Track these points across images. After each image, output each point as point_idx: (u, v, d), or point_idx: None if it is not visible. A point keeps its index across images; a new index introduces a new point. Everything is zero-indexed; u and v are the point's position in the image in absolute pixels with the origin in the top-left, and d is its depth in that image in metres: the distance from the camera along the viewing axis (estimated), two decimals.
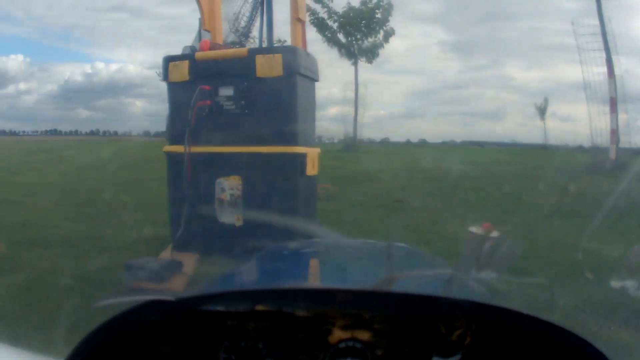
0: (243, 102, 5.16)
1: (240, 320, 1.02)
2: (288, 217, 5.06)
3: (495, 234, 5.40)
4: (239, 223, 5.27)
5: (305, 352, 1.03)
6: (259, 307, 0.98)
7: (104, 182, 11.54)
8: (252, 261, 2.07)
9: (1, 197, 9.81)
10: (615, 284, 4.63)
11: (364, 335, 1.02)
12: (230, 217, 5.30)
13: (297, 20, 6.03)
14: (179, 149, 5.25)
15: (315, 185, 5.84)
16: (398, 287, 1.06)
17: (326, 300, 0.99)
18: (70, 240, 6.21)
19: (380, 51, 26.74)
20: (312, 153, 5.37)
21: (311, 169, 5.30)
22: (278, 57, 5.06)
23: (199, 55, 5.33)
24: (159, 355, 1.04)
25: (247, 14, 6.82)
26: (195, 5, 5.73)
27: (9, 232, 6.73)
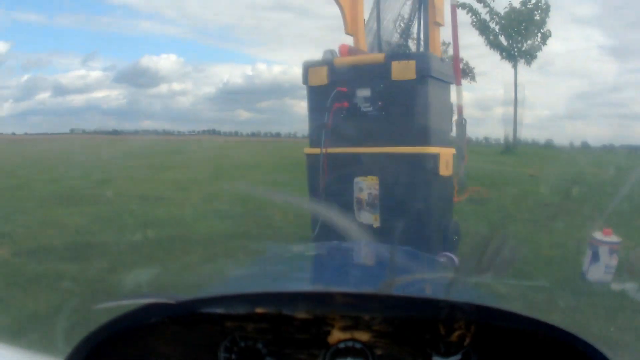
0: (380, 103, 5.26)
1: (240, 322, 1.01)
2: (421, 219, 5.11)
3: (615, 239, 5.18)
4: (376, 224, 5.36)
5: (305, 352, 1.03)
6: (259, 310, 0.99)
7: (257, 181, 11.97)
8: (255, 263, 2.09)
9: (151, 193, 10.43)
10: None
11: (364, 336, 1.01)
12: (368, 217, 5.40)
13: (434, 24, 6.05)
14: (317, 150, 5.46)
15: (451, 185, 5.80)
16: (399, 290, 1.06)
17: (325, 303, 0.99)
18: (213, 237, 6.53)
19: (540, 53, 26.22)
20: (445, 153, 5.35)
21: (444, 170, 5.29)
22: (412, 63, 5.15)
23: (337, 60, 5.50)
24: (159, 357, 1.05)
25: (406, 15, 6.89)
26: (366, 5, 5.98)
27: (154, 227, 7.20)
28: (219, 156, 21.74)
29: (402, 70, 5.13)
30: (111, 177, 13.23)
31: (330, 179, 5.47)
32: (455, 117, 6.95)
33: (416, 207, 5.12)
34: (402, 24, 6.63)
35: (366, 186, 5.39)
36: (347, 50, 5.59)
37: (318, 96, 5.57)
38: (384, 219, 5.31)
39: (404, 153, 5.15)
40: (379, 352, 1.02)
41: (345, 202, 5.43)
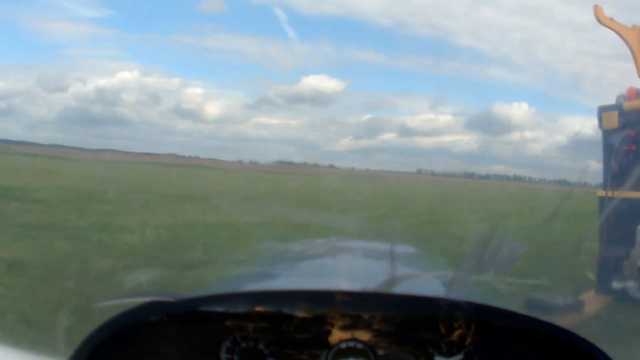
0: None
1: (240, 321, 1.02)
2: None
3: None
4: None
5: (306, 352, 1.04)
6: (258, 308, 0.99)
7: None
8: (257, 263, 2.16)
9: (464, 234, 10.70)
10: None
11: (364, 336, 1.01)
12: None
13: None
14: (608, 193, 5.57)
15: None
16: (400, 289, 1.11)
17: (325, 302, 1.00)
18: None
19: None
20: None
21: None
22: None
23: (626, 105, 5.56)
24: (160, 356, 1.05)
25: None
26: None
27: None
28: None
29: None
30: (439, 219, 13.73)
31: (615, 222, 5.49)
32: None
33: None
34: None
35: None
36: (635, 94, 5.58)
37: (610, 140, 5.68)
38: None
39: None
40: (380, 352, 1.02)
41: (630, 245, 5.40)
